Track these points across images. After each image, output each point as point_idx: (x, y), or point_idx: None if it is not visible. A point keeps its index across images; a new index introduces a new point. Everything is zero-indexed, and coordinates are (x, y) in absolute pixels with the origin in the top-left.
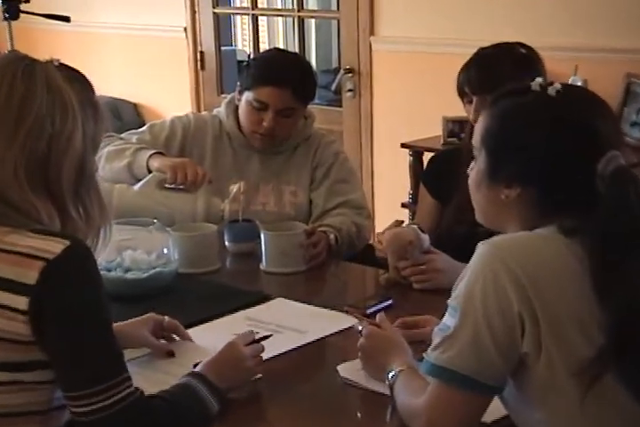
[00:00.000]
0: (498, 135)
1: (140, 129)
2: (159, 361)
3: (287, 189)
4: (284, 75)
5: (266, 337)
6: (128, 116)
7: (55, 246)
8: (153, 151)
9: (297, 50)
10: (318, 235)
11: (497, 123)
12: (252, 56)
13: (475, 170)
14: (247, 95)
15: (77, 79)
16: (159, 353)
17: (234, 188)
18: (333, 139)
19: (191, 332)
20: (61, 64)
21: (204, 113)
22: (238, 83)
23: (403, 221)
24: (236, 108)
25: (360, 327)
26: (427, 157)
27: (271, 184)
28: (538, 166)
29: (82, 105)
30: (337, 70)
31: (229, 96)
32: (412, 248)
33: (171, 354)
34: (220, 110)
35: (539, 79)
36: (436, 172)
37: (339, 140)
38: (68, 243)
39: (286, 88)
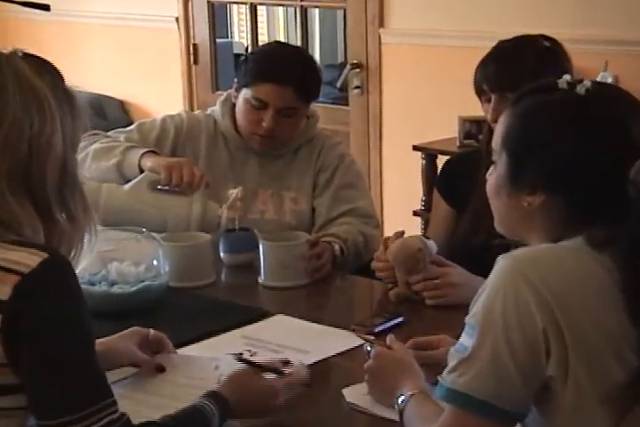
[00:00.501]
0: (520, 136)
1: (128, 127)
2: (149, 381)
3: (288, 195)
4: (284, 71)
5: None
6: (114, 114)
7: (31, 259)
8: (145, 150)
9: (299, 43)
10: (322, 245)
11: (519, 123)
12: (249, 49)
13: (494, 175)
14: (245, 93)
15: (47, 71)
16: (148, 369)
17: (232, 192)
18: (338, 140)
19: (182, 352)
20: (26, 54)
21: (197, 112)
22: (235, 79)
23: (403, 232)
24: (233, 106)
25: (368, 348)
26: (441, 160)
27: (270, 190)
28: (564, 170)
29: (57, 101)
30: (343, 65)
31: (225, 93)
32: (422, 256)
33: (161, 369)
34: (215, 109)
35: (567, 76)
36: (452, 176)
37: (344, 142)
38: (45, 255)
39: (287, 85)
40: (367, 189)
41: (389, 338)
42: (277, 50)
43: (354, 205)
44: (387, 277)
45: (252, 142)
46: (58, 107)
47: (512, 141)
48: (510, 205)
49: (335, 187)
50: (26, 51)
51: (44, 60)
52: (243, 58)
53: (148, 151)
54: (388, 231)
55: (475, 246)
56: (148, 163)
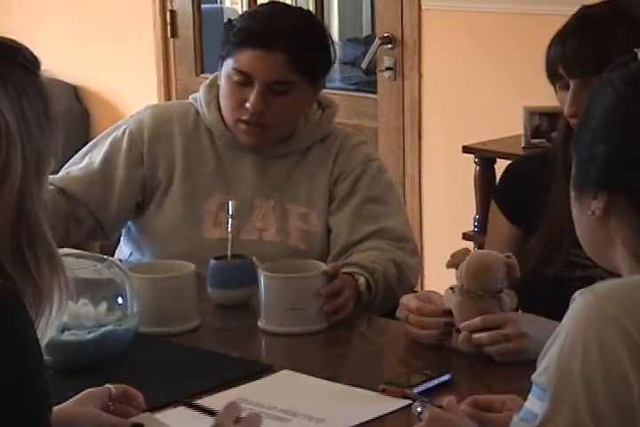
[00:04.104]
0: (584, 125)
1: (75, 169)
2: None
3: (294, 209)
4: (272, 32)
5: None
6: (64, 103)
7: None
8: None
9: (313, 9)
10: (342, 279)
11: (584, 112)
12: None
13: None
14: (226, 66)
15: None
16: None
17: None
18: (362, 139)
19: (158, 418)
20: None
21: (172, 102)
22: (220, 53)
23: (468, 249)
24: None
25: (419, 409)
26: (500, 166)
27: (271, 201)
28: (630, 162)
29: (22, 116)
30: (370, 40)
31: (211, 77)
32: (515, 271)
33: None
34: (198, 96)
35: None
36: (515, 185)
37: (371, 141)
38: None
39: (275, 50)
40: (401, 204)
41: (449, 400)
42: (268, 9)
43: (383, 224)
44: (425, 338)
45: (237, 134)
46: (22, 123)
47: (576, 134)
48: (584, 215)
49: (358, 201)
50: None
51: (12, 50)
52: (226, 24)
53: None
54: (430, 260)
55: (547, 279)
56: None
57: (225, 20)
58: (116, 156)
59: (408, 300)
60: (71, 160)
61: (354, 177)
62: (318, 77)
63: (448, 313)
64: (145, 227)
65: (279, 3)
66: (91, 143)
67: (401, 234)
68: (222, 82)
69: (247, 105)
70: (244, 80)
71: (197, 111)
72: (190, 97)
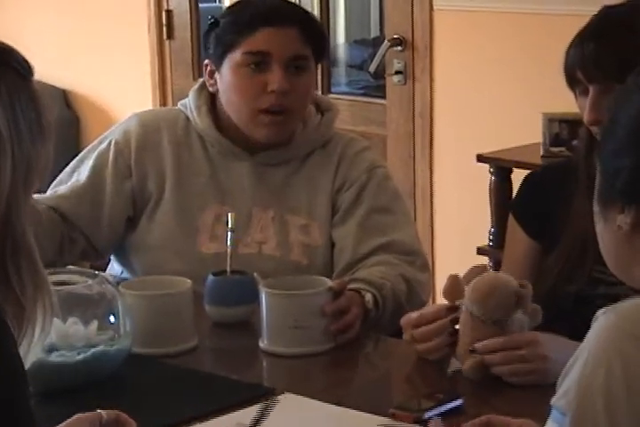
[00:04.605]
0: (609, 133)
1: (63, 187)
2: None
3: (295, 221)
4: (281, 9)
5: None
6: (54, 109)
7: None
8: None
9: (317, 11)
10: (348, 296)
11: (610, 115)
12: None
13: None
14: (232, 58)
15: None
16: None
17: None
18: (366, 144)
19: None
20: None
21: (161, 109)
22: (207, 60)
23: (485, 267)
24: (211, 97)
25: None
26: (517, 175)
27: (270, 211)
28: None
29: (14, 122)
30: (378, 42)
31: (200, 81)
32: (527, 294)
33: None
34: (187, 102)
35: None
36: (534, 197)
37: (379, 149)
38: None
39: (289, 25)
40: (409, 214)
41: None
42: None
43: (390, 237)
44: (435, 350)
45: (257, 129)
46: (13, 129)
47: (600, 144)
48: (610, 230)
49: (364, 211)
50: None
51: (4, 53)
52: (211, 22)
53: None
54: (442, 275)
55: (568, 297)
56: None
57: None
58: (103, 169)
59: (408, 316)
60: (58, 178)
61: (358, 186)
62: (322, 54)
63: (452, 309)
64: (137, 242)
65: None
66: (77, 159)
67: (410, 247)
68: (229, 78)
69: (269, 88)
70: (260, 61)
71: (187, 118)
72: (179, 103)
